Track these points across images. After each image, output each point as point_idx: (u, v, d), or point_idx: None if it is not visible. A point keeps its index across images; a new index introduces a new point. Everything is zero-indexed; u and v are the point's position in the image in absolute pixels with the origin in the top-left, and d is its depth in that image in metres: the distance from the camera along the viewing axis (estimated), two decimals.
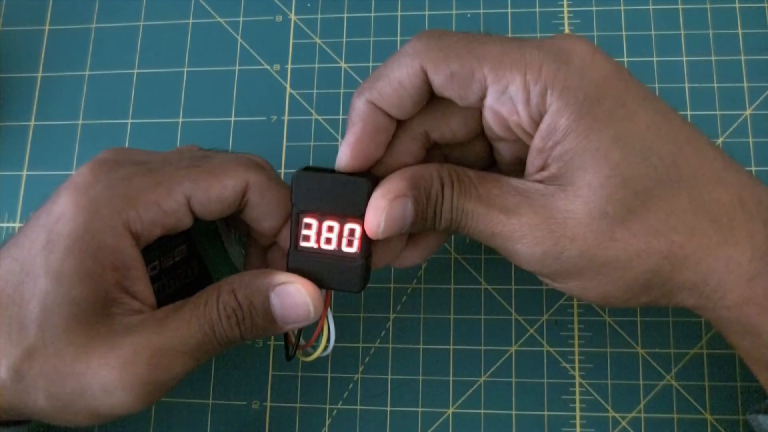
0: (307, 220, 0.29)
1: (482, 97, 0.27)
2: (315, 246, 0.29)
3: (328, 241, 0.29)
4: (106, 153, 0.30)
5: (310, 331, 0.31)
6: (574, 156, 0.26)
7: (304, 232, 0.29)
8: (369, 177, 0.29)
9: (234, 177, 0.29)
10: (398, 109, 0.28)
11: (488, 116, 0.28)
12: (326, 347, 0.30)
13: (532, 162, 0.28)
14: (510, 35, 0.41)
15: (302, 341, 0.31)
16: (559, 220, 0.27)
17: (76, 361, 0.27)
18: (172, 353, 0.27)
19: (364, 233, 0.28)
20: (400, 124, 0.29)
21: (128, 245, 0.28)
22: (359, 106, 0.28)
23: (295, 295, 0.28)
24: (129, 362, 0.27)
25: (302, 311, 0.28)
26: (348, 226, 0.29)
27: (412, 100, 0.28)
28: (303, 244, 0.29)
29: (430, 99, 0.28)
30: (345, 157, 0.28)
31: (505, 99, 0.27)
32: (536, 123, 0.27)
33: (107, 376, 0.26)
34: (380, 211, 0.27)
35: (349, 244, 0.29)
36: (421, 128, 0.29)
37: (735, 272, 0.26)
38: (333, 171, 0.29)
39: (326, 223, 0.29)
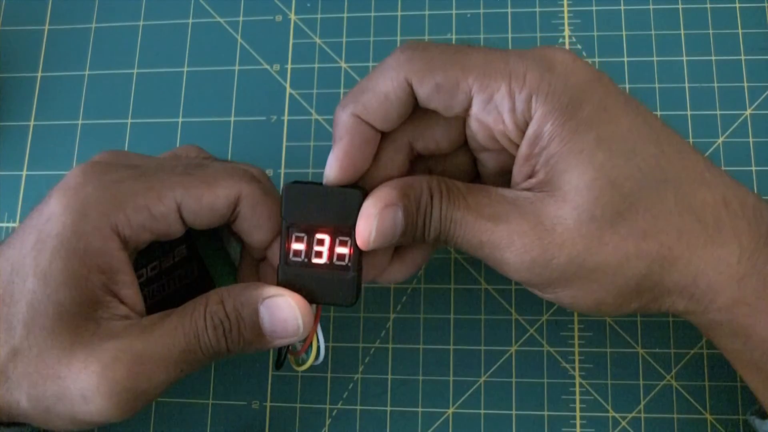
0: (297, 233, 0.29)
1: (467, 108, 0.27)
2: (305, 260, 0.29)
3: (319, 254, 0.29)
4: (101, 155, 0.30)
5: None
6: (559, 160, 0.26)
7: (295, 246, 0.29)
8: (360, 188, 0.28)
9: (227, 187, 0.29)
10: (384, 122, 0.28)
11: (474, 126, 0.28)
12: (316, 359, 0.30)
13: (519, 171, 0.28)
14: (510, 35, 0.41)
15: (297, 353, 0.31)
16: (547, 226, 0.26)
17: (57, 363, 0.26)
18: (154, 361, 0.27)
19: (355, 245, 0.28)
20: (384, 135, 0.29)
21: (115, 248, 0.27)
22: (345, 119, 0.28)
23: (284, 309, 0.28)
24: (108, 368, 0.26)
25: (291, 326, 0.28)
26: (339, 238, 0.28)
27: (398, 113, 0.28)
28: (293, 258, 0.29)
29: (414, 110, 0.28)
30: (334, 170, 0.28)
31: (491, 108, 0.27)
32: (522, 131, 0.27)
33: (86, 381, 0.26)
34: (371, 220, 0.27)
35: (341, 257, 0.29)
36: (405, 139, 0.29)
37: (725, 273, 0.26)
38: (321, 184, 0.29)
39: (317, 236, 0.29)
